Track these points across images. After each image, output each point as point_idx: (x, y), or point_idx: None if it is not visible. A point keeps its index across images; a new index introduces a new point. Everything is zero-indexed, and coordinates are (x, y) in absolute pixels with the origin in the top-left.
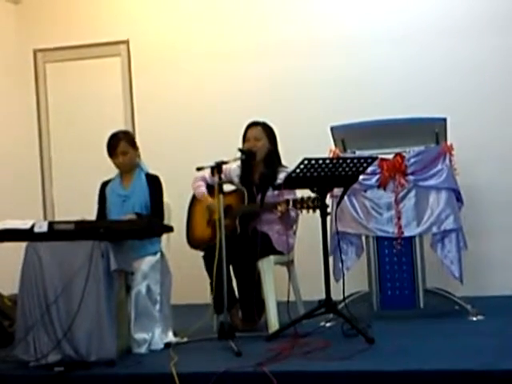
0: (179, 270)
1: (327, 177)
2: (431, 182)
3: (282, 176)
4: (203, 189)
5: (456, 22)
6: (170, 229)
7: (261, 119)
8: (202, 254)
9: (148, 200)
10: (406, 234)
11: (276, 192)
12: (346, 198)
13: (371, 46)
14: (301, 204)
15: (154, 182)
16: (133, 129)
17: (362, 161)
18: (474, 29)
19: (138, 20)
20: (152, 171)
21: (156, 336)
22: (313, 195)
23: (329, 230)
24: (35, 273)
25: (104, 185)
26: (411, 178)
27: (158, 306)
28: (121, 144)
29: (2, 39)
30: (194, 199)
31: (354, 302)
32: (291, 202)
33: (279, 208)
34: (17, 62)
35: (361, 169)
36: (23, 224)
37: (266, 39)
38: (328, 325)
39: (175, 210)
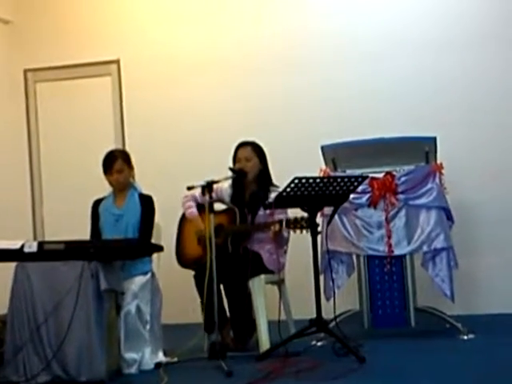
0: (170, 289)
1: (318, 196)
2: (421, 201)
3: (273, 195)
4: (194, 210)
5: (450, 43)
6: (160, 248)
7: (252, 138)
8: (192, 273)
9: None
10: (397, 252)
11: (268, 211)
12: (336, 216)
13: (362, 66)
14: (294, 224)
15: (146, 203)
16: (123, 148)
17: (353, 180)
18: (465, 49)
19: (129, 40)
20: (142, 190)
21: (146, 356)
22: (306, 215)
23: (319, 248)
24: (25, 293)
25: (96, 203)
26: (402, 196)
27: (148, 326)
28: (117, 162)
29: None
30: (184, 217)
31: (344, 320)
32: (284, 223)
33: (273, 228)
34: (7, 81)
35: (351, 188)
36: (13, 244)
37: (257, 57)
38: (319, 344)
39: (165, 230)
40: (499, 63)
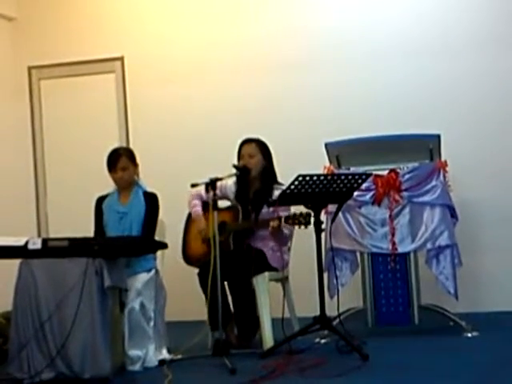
0: (174, 286)
1: (322, 193)
2: (425, 199)
3: (276, 193)
4: (199, 209)
5: (452, 42)
6: (164, 245)
7: (256, 135)
8: (196, 270)
9: None
10: (401, 250)
11: (271, 209)
12: (340, 214)
13: (365, 65)
14: (292, 220)
15: (151, 200)
16: (127, 145)
17: (357, 177)
18: (468, 48)
19: (133, 37)
20: (146, 187)
21: (150, 353)
22: (304, 211)
23: (323, 246)
24: (29, 290)
25: (100, 200)
26: (406, 194)
27: (151, 323)
28: (121, 159)
29: None
30: (191, 216)
31: (348, 318)
32: (283, 219)
33: (271, 223)
34: (11, 78)
35: (355, 185)
36: (17, 241)
37: (261, 56)
38: (323, 341)
39: (169, 227)
40: (501, 63)
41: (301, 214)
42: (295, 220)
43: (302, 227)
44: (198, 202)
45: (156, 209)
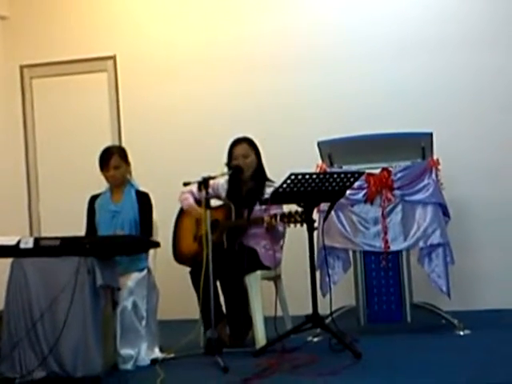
0: (166, 285)
1: (314, 192)
2: (418, 197)
3: (269, 191)
4: (191, 200)
5: (446, 40)
6: (156, 244)
7: (249, 135)
8: (188, 269)
9: (137, 216)
10: (393, 248)
11: (263, 207)
12: (333, 212)
13: (360, 64)
14: (288, 218)
15: (144, 199)
16: (120, 144)
17: (349, 176)
18: (463, 47)
19: (125, 36)
20: (139, 186)
21: (142, 352)
22: (300, 209)
23: (316, 244)
24: (21, 289)
25: (93, 199)
26: (398, 192)
27: (144, 322)
28: (114, 158)
29: None
30: (181, 214)
31: (341, 316)
32: (279, 217)
33: (266, 219)
34: (3, 77)
35: (348, 184)
36: (9, 240)
37: (254, 55)
38: (315, 340)
39: (161, 226)
40: (496, 61)
41: (296, 211)
42: (291, 218)
43: (298, 225)
44: (189, 196)
45: (150, 208)
